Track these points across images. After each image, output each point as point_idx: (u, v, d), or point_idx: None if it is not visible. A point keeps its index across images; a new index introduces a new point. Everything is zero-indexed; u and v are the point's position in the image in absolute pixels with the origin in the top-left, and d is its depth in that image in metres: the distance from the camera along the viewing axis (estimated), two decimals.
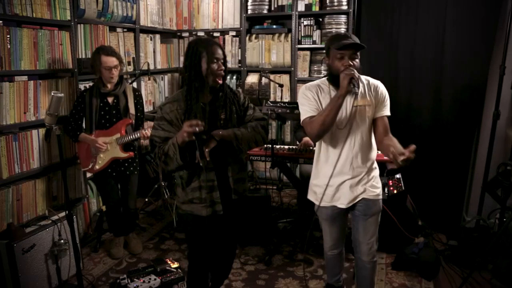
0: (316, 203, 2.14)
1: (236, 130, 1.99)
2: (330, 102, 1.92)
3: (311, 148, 3.10)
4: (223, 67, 1.94)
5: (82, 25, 3.24)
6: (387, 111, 2.04)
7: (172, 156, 1.87)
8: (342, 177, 2.06)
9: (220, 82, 1.96)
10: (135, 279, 2.54)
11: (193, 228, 2.09)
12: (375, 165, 2.14)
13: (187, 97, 1.94)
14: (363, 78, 2.06)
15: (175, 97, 1.99)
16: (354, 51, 1.92)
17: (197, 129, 1.76)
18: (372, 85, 2.05)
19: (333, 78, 1.98)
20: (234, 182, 2.08)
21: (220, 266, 2.32)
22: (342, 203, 2.09)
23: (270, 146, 2.97)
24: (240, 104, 2.09)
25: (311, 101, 2.02)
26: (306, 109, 2.03)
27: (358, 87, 1.87)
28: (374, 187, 2.10)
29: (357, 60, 1.94)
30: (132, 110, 2.96)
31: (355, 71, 1.87)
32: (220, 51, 1.94)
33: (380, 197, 2.14)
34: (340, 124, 2.00)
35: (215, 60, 1.91)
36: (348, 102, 1.97)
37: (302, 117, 2.05)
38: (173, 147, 1.86)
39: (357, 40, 1.93)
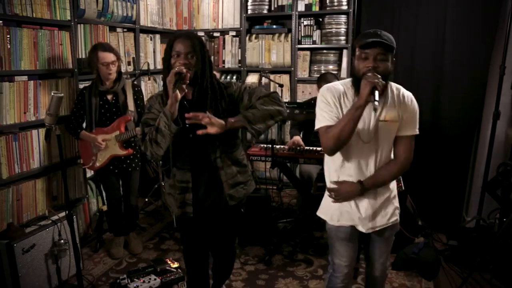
0: (331, 222, 1.90)
1: (245, 113, 1.84)
2: (347, 113, 1.68)
3: (302, 147, 3.09)
4: (182, 61, 1.78)
5: (82, 25, 3.23)
6: (414, 129, 1.79)
7: (164, 128, 1.76)
8: (366, 196, 1.82)
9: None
10: (135, 279, 2.54)
11: (177, 220, 2.16)
12: (394, 183, 1.93)
13: (164, 91, 1.87)
14: (394, 87, 1.80)
15: (161, 92, 1.95)
16: (382, 51, 1.64)
17: (176, 68, 1.72)
18: (403, 97, 1.78)
19: (356, 82, 1.72)
20: (231, 187, 1.97)
21: (218, 267, 2.34)
22: (363, 227, 1.85)
23: (270, 146, 2.97)
24: (229, 95, 1.92)
25: (331, 107, 1.75)
26: (324, 116, 1.76)
27: (379, 100, 1.60)
28: (396, 209, 1.90)
29: (386, 63, 1.66)
30: (131, 107, 2.94)
31: (379, 78, 1.60)
32: (184, 45, 1.79)
33: (395, 222, 1.91)
34: (364, 137, 1.76)
35: (174, 55, 1.80)
36: (373, 115, 1.74)
37: (319, 124, 1.79)
38: (164, 116, 1.76)
39: (388, 40, 1.66)
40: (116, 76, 2.91)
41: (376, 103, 1.58)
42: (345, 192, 1.81)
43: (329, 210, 1.90)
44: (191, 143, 1.91)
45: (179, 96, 1.75)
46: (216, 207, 2.02)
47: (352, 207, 1.84)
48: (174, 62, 1.80)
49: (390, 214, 1.88)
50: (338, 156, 1.83)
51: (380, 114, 1.74)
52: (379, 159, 1.80)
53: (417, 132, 1.82)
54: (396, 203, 1.93)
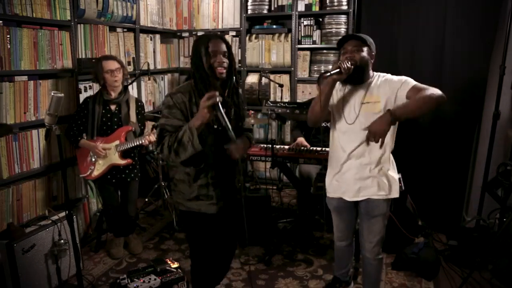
0: (327, 194, 2.27)
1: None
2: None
3: (305, 148, 3.10)
4: (223, 60, 1.88)
5: (82, 25, 3.23)
6: (408, 85, 1.97)
7: (187, 142, 1.80)
8: (348, 171, 2.12)
9: (222, 74, 1.90)
10: (135, 279, 2.54)
11: (197, 226, 2.05)
12: (387, 165, 2.11)
13: (197, 91, 1.91)
14: (379, 75, 2.09)
15: (185, 87, 1.95)
16: (356, 44, 2.00)
17: (217, 99, 1.72)
18: (383, 80, 2.06)
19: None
20: (239, 182, 2.09)
21: (220, 263, 2.30)
22: (347, 196, 2.16)
23: (270, 146, 2.97)
24: (242, 103, 2.10)
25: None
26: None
27: (340, 71, 1.90)
28: (380, 187, 2.10)
29: (361, 53, 1.99)
30: (133, 118, 2.98)
31: (348, 61, 1.93)
32: (220, 45, 1.89)
33: (382, 197, 2.11)
34: (349, 119, 2.07)
35: (212, 54, 1.87)
36: (358, 99, 2.06)
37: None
38: (189, 131, 1.79)
39: (360, 36, 2.04)
40: (121, 88, 2.96)
41: (336, 70, 1.92)
42: (377, 128, 1.86)
43: (328, 185, 2.27)
44: (216, 135, 1.94)
45: (208, 118, 1.78)
46: (229, 197, 2.09)
47: (338, 181, 2.17)
48: (215, 61, 1.87)
49: (374, 186, 2.08)
50: (331, 136, 2.21)
51: (364, 98, 2.04)
52: (363, 139, 2.02)
53: (414, 83, 1.99)
54: (382, 181, 2.09)
